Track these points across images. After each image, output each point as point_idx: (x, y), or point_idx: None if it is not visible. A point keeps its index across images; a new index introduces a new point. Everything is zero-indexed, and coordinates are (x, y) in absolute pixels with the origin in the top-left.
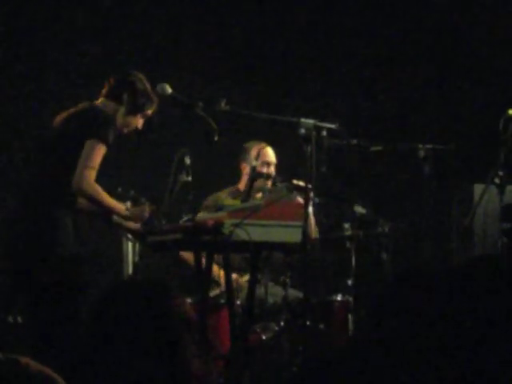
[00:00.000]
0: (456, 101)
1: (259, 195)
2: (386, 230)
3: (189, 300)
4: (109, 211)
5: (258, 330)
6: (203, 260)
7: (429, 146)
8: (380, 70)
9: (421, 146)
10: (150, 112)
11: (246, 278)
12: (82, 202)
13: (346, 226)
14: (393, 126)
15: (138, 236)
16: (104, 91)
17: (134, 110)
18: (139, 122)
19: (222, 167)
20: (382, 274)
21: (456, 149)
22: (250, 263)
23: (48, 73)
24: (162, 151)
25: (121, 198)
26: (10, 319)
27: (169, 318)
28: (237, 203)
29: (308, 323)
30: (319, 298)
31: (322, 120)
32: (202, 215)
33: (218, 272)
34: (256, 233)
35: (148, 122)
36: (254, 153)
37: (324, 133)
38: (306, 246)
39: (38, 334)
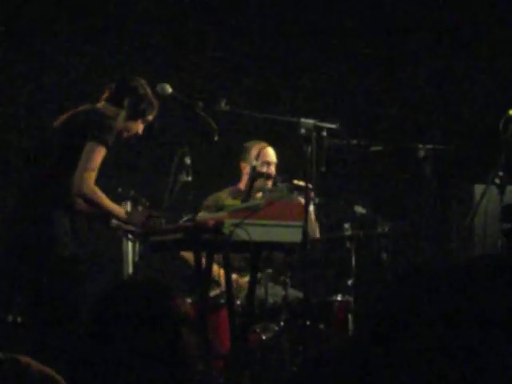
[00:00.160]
0: (456, 101)
1: (259, 195)
2: (386, 230)
3: (189, 300)
4: (108, 214)
5: (258, 330)
6: (203, 260)
7: (429, 146)
8: (380, 70)
9: (421, 146)
10: (150, 117)
11: (246, 278)
12: (80, 203)
13: (346, 226)
14: (393, 126)
15: (138, 236)
16: (105, 95)
17: (135, 115)
18: (139, 127)
19: (222, 167)
20: (382, 274)
21: (456, 149)
22: (250, 263)
23: (48, 73)
24: (162, 151)
25: (121, 198)
26: (10, 319)
27: (169, 317)
28: (237, 203)
29: (308, 323)
30: (319, 298)
31: (322, 120)
32: (202, 215)
33: (218, 272)
34: (256, 233)
35: (148, 126)
36: (254, 152)
37: (324, 133)
38: (306, 246)
39: (38, 334)
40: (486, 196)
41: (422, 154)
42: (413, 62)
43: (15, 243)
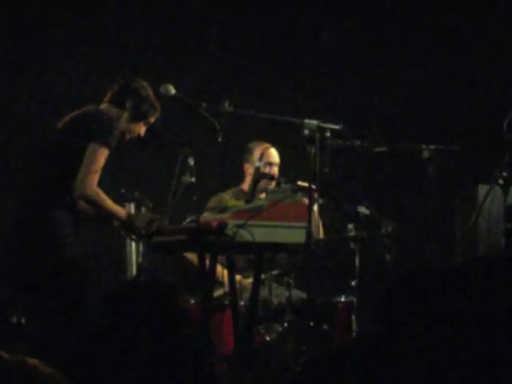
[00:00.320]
0: (460, 101)
1: (263, 196)
2: (390, 230)
3: (192, 301)
4: (110, 216)
5: (262, 330)
6: (207, 261)
7: (433, 147)
8: (383, 71)
9: (424, 146)
10: (152, 119)
11: (250, 279)
12: (83, 204)
13: (350, 226)
14: (397, 126)
15: (141, 236)
16: (108, 97)
17: (137, 117)
18: (142, 129)
19: (226, 168)
20: (386, 275)
21: (460, 149)
22: (253, 264)
23: (50, 74)
24: (166, 152)
25: (124, 199)
26: (14, 320)
27: (173, 318)
28: (240, 204)
29: (312, 324)
30: (323, 298)
31: (326, 121)
32: (205, 216)
33: (221, 272)
34: (260, 234)
35: (150, 128)
36: (257, 153)
37: (328, 134)
38: (310, 247)
39: (42, 335)
40: (490, 196)
41: (425, 154)
42: (415, 62)
43: (19, 244)
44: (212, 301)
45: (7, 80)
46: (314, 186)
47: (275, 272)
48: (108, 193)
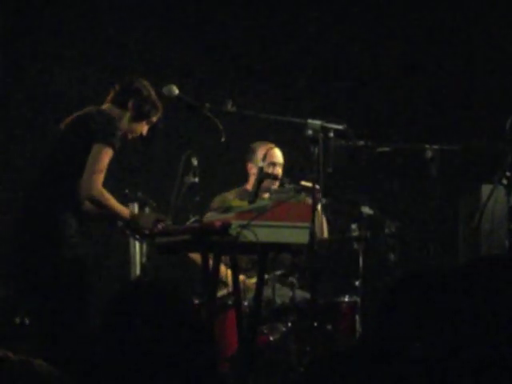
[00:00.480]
0: (463, 101)
1: (267, 196)
2: (393, 230)
3: (196, 301)
4: (115, 216)
5: (266, 330)
6: (210, 261)
7: (436, 147)
8: (386, 71)
9: (428, 146)
10: (154, 119)
11: (254, 280)
12: (87, 205)
13: (354, 226)
14: (400, 126)
15: (145, 237)
16: (110, 97)
17: (140, 116)
18: (144, 128)
19: (229, 168)
20: (390, 275)
21: (463, 149)
22: (257, 264)
23: (50, 74)
24: (169, 152)
25: (128, 200)
26: (18, 321)
27: (179, 318)
28: (244, 204)
29: (315, 324)
30: (326, 298)
31: (329, 121)
32: (209, 216)
33: (225, 272)
34: (263, 234)
35: (153, 128)
36: (260, 153)
37: (331, 134)
38: (314, 247)
39: (44, 336)
40: (493, 196)
41: (428, 154)
42: (418, 62)
43: (23, 245)
44: (216, 301)
45: (7, 80)
46: (317, 186)
47: (279, 272)
48: (112, 193)
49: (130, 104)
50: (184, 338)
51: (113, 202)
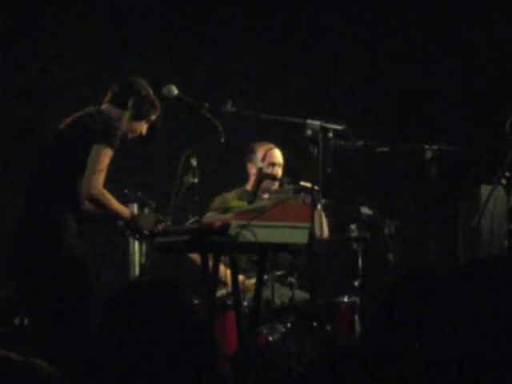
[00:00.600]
0: (462, 101)
1: (266, 196)
2: (393, 231)
3: (195, 301)
4: (115, 216)
5: (265, 331)
6: (210, 261)
7: (435, 147)
8: (385, 71)
9: (427, 146)
10: (153, 118)
11: (253, 280)
12: (87, 205)
13: (353, 227)
14: (399, 127)
15: (145, 237)
16: (108, 97)
17: (139, 116)
18: (143, 127)
19: (229, 169)
20: (389, 275)
21: (463, 150)
22: (256, 264)
23: (51, 75)
24: (169, 153)
25: (128, 200)
26: (17, 322)
27: (178, 318)
28: (243, 204)
29: (315, 324)
30: (326, 299)
31: (328, 121)
32: (209, 216)
33: (224, 272)
34: (263, 234)
35: (152, 127)
36: (260, 154)
37: (330, 134)
38: (313, 247)
39: (45, 336)
40: (493, 197)
41: (428, 155)
42: (418, 62)
43: (22, 245)
44: (215, 301)
45: (7, 80)
46: (316, 187)
47: (278, 272)
48: (111, 193)
49: (129, 104)
50: (184, 338)
51: (113, 202)
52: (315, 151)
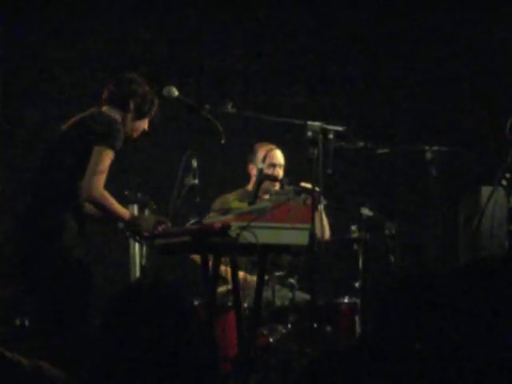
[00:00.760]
0: (463, 102)
1: (266, 197)
2: (393, 232)
3: (196, 302)
4: (116, 218)
5: (265, 332)
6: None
7: (435, 148)
8: (386, 72)
9: (428, 148)
10: (154, 113)
11: (255, 277)
12: (88, 207)
13: (353, 228)
14: (400, 128)
15: (145, 238)
16: (106, 97)
17: (142, 115)
18: (146, 124)
19: (229, 170)
20: (389, 276)
21: (463, 151)
22: (257, 266)
23: (51, 75)
24: (169, 154)
25: (128, 201)
26: (18, 322)
27: (179, 319)
28: (244, 206)
29: (315, 325)
30: (326, 300)
31: (329, 122)
32: (210, 216)
33: (225, 269)
34: (263, 235)
35: (151, 120)
36: (261, 155)
37: (331, 135)
38: (314, 249)
39: (45, 337)
40: (493, 198)
41: (428, 156)
42: (418, 63)
43: (24, 247)
44: (216, 302)
45: (7, 80)
46: (317, 188)
47: (278, 273)
48: (112, 194)
49: (130, 106)
50: (184, 339)
51: (114, 203)
52: (315, 152)
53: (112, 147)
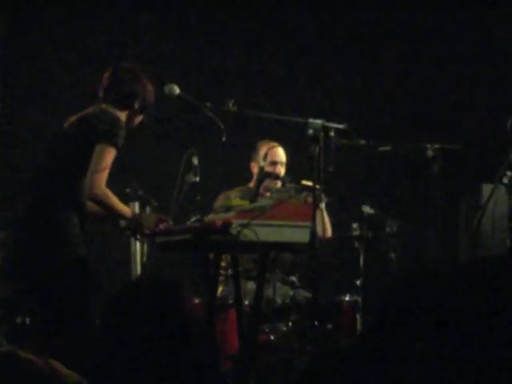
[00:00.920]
0: (464, 100)
1: (268, 195)
2: (394, 230)
3: (196, 300)
4: (118, 216)
5: (267, 330)
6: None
7: (437, 146)
8: (387, 70)
9: (429, 145)
10: (151, 105)
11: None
12: (90, 206)
13: (355, 226)
14: (401, 125)
15: (146, 236)
16: (107, 96)
17: (141, 111)
18: (142, 116)
19: (230, 168)
20: (390, 274)
21: (464, 148)
22: (258, 263)
23: (51, 74)
24: (170, 152)
25: (129, 199)
26: (19, 320)
27: (179, 318)
28: (245, 203)
29: (316, 323)
30: (327, 298)
31: (330, 120)
32: (211, 215)
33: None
34: (264, 233)
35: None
36: (262, 152)
37: (332, 133)
38: (315, 246)
39: (46, 335)
40: (494, 196)
41: (430, 153)
42: (420, 62)
43: (26, 245)
44: (216, 300)
45: (7, 80)
46: (318, 186)
47: (279, 271)
48: (113, 192)
49: (135, 105)
50: (184, 337)
51: (115, 201)
52: (316, 150)
53: (114, 145)
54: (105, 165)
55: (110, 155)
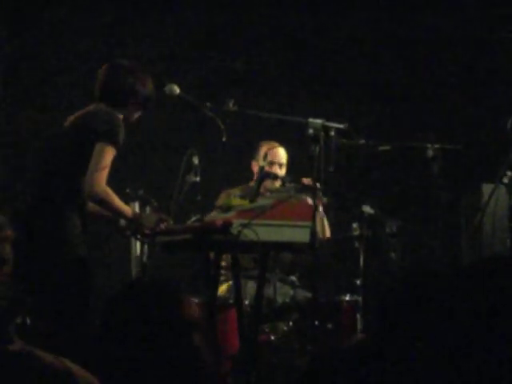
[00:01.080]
0: (464, 100)
1: (268, 195)
2: (395, 229)
3: (196, 300)
4: (118, 215)
5: (267, 330)
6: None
7: (437, 146)
8: (388, 70)
9: (429, 145)
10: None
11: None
12: (91, 206)
13: (355, 225)
14: (401, 125)
15: (146, 236)
16: (106, 95)
17: (139, 108)
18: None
19: (231, 167)
20: (390, 274)
21: (464, 148)
22: (258, 263)
23: (51, 74)
24: (171, 151)
25: (129, 199)
26: (19, 320)
27: (177, 319)
28: (245, 203)
29: (316, 323)
30: (328, 297)
31: (330, 120)
32: (213, 214)
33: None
34: (264, 233)
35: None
36: (262, 152)
37: (332, 133)
38: (315, 246)
39: (47, 335)
40: (495, 195)
41: (430, 153)
42: (420, 62)
43: (27, 244)
44: (216, 300)
45: (7, 80)
46: (318, 186)
47: (279, 271)
48: (113, 192)
49: (131, 100)
50: (183, 337)
51: (116, 200)
52: (317, 150)
53: (114, 144)
54: (105, 164)
55: (109, 154)
